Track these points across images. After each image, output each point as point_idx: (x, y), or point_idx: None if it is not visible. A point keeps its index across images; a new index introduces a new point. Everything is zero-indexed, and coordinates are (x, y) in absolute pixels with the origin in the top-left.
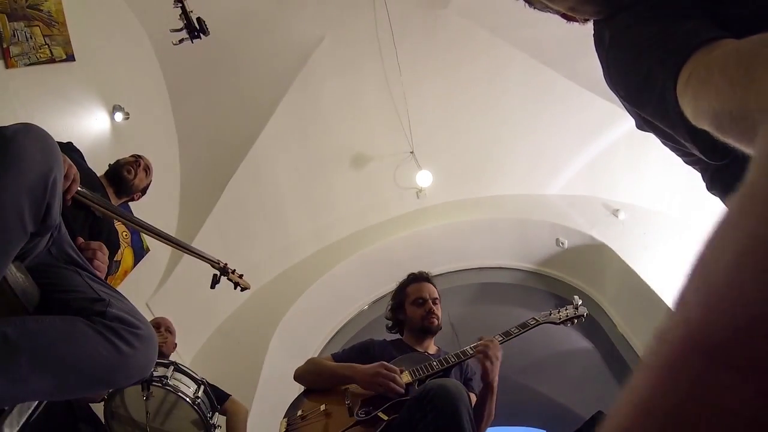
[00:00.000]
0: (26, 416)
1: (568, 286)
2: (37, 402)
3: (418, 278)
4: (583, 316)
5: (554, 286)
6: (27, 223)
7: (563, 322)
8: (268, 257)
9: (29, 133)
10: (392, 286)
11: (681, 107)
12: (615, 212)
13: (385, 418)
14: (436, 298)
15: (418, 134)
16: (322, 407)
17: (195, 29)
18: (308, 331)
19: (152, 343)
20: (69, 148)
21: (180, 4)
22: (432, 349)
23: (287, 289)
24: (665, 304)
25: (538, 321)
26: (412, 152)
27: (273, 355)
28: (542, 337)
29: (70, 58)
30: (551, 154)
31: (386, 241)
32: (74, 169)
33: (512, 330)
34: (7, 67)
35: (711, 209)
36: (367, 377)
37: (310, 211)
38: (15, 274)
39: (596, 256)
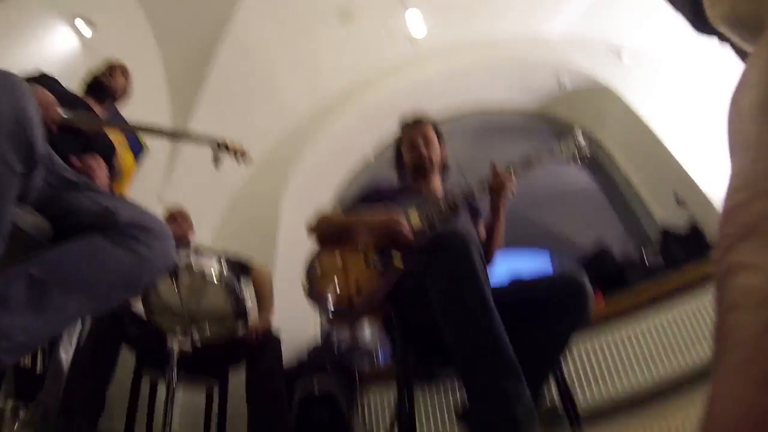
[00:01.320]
0: (76, 337)
1: (571, 127)
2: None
3: (407, 123)
4: (586, 153)
5: (558, 126)
6: (14, 165)
7: (567, 160)
8: (267, 125)
9: None
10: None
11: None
12: (619, 55)
13: (401, 266)
14: (427, 137)
15: None
16: (339, 262)
17: None
18: (317, 188)
19: (168, 238)
20: (42, 78)
21: None
22: (438, 189)
23: (291, 152)
24: (666, 147)
25: (541, 159)
26: None
27: (286, 218)
28: (543, 172)
29: None
30: None
31: (383, 91)
32: (47, 96)
33: (516, 168)
34: None
35: (718, 55)
36: (377, 227)
37: (302, 72)
38: (23, 216)
39: (599, 98)
